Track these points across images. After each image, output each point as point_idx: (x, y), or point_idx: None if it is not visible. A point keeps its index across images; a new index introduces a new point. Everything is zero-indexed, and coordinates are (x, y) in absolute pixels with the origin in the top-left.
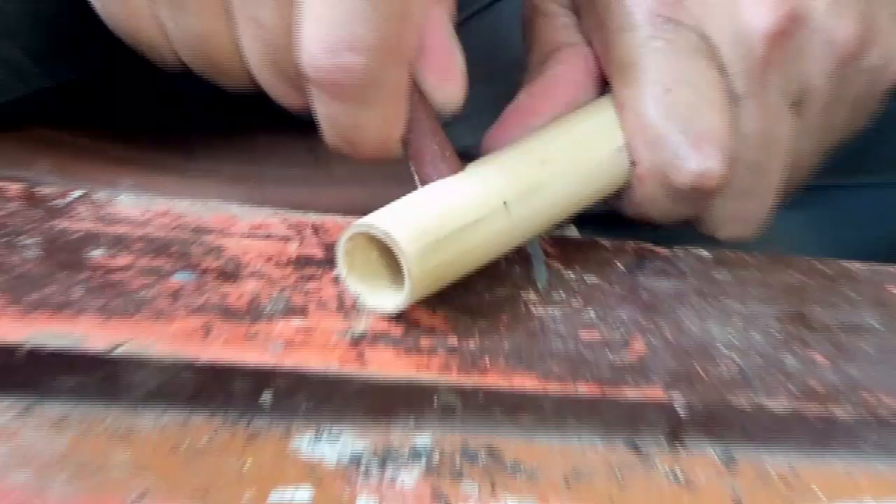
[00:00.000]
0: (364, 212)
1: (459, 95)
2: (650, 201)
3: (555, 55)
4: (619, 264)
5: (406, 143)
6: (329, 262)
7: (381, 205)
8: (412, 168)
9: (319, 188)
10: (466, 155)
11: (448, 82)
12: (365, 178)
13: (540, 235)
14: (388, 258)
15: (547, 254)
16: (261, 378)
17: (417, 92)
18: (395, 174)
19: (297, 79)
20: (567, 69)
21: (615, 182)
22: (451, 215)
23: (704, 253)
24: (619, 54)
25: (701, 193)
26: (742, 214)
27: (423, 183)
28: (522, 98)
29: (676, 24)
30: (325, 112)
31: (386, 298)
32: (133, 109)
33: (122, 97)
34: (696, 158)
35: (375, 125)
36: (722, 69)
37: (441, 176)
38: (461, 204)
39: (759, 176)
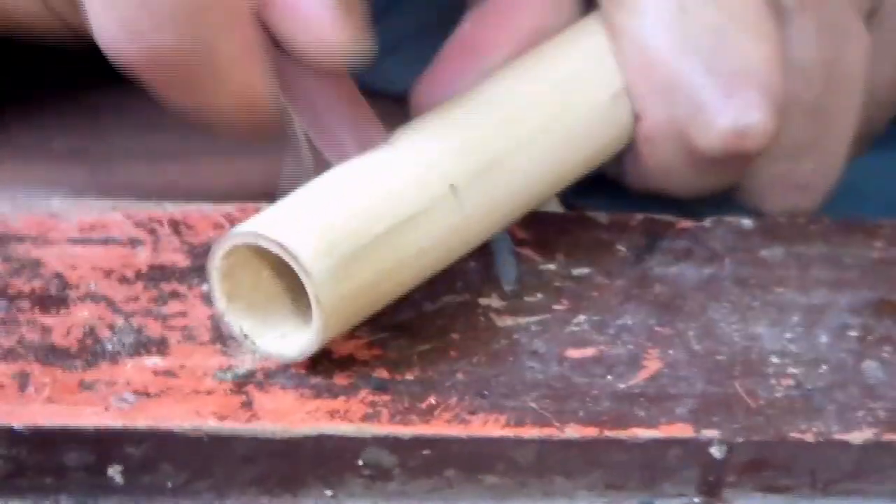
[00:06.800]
0: (262, 195)
1: (338, 37)
2: (663, 170)
3: None
4: (621, 248)
5: (297, 111)
6: (197, 271)
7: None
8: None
9: (194, 163)
10: (397, 101)
11: (310, 23)
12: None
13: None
14: (286, 278)
15: (515, 239)
16: (104, 446)
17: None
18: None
19: None
20: None
21: (611, 144)
22: (375, 212)
23: (746, 222)
24: None
25: (739, 157)
26: (798, 178)
27: (332, 163)
28: (469, 27)
29: None
30: (169, 104)
31: (287, 339)
32: None
33: None
34: (730, 109)
35: (232, 104)
36: None
37: (355, 152)
38: (388, 193)
39: (822, 123)
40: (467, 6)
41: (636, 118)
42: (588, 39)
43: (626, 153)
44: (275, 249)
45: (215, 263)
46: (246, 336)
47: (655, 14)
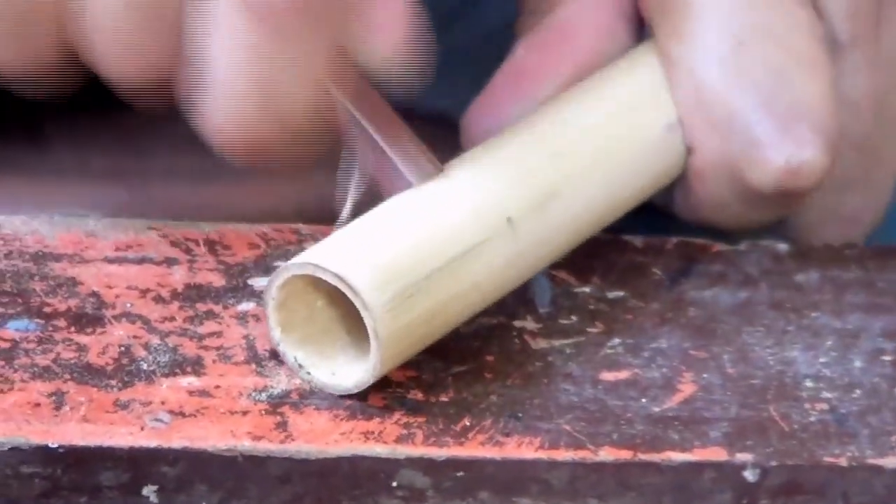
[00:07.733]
0: (297, 217)
1: (397, 49)
2: (714, 203)
3: None
4: (656, 271)
5: (350, 136)
6: (232, 291)
7: (326, 207)
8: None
9: (231, 184)
10: (443, 122)
11: (385, 31)
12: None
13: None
14: (341, 308)
15: None
16: (139, 466)
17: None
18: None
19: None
20: (586, 7)
21: (663, 175)
22: (433, 244)
23: (781, 247)
24: None
25: (791, 194)
26: (846, 212)
27: (386, 194)
28: (521, 54)
29: None
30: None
31: (342, 370)
32: None
33: None
34: (783, 146)
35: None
36: (817, 8)
37: (410, 184)
38: (446, 225)
39: (871, 157)
40: (516, 33)
41: (689, 150)
42: (642, 69)
43: (677, 184)
44: (334, 282)
45: (272, 294)
46: (301, 366)
47: (712, 47)
